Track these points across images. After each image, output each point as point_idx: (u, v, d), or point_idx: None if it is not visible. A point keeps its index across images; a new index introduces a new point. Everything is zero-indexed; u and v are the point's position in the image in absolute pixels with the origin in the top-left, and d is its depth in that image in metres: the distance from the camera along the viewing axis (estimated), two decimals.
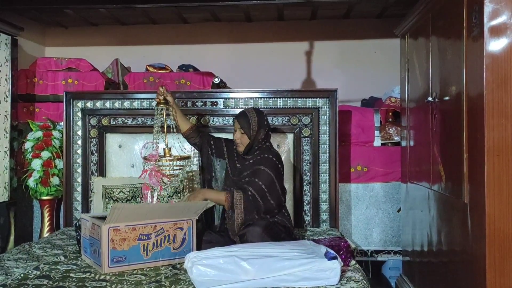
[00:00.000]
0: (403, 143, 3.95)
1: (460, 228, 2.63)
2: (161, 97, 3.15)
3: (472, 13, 2.43)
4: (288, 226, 3.03)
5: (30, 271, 2.60)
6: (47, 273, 2.58)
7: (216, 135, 3.84)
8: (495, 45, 2.31)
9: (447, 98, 2.83)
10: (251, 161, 3.07)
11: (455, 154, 2.67)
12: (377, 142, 4.29)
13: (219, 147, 3.26)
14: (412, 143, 3.69)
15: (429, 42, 3.18)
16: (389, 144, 4.31)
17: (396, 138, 4.26)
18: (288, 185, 3.79)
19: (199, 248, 2.81)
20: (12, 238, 4.00)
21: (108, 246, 2.58)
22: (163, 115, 3.15)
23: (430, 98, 3.10)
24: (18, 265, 2.75)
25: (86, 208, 3.89)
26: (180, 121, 3.29)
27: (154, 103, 3.33)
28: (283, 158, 3.77)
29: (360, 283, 2.38)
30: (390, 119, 4.38)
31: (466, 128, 2.52)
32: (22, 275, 2.54)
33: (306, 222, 3.85)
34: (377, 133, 4.28)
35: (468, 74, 2.51)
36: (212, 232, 3.07)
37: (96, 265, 2.67)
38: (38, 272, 2.59)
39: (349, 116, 4.26)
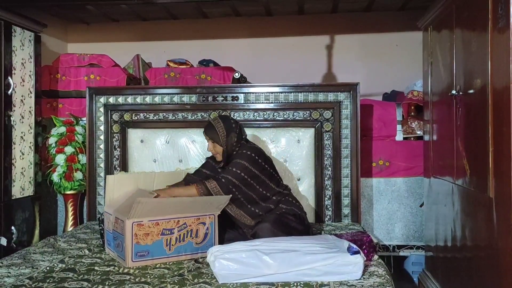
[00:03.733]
0: (426, 137, 3.90)
1: (485, 223, 2.59)
2: None
3: (498, 4, 2.38)
4: (298, 213, 3.04)
5: (55, 264, 2.64)
6: (72, 266, 2.62)
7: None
8: None
9: (471, 91, 2.79)
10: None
11: (480, 148, 2.63)
12: (399, 136, 4.24)
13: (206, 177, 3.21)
14: (435, 137, 3.65)
15: (453, 34, 3.13)
16: (412, 138, 4.26)
17: (418, 132, 4.22)
18: (309, 179, 3.79)
19: (221, 243, 2.82)
20: (37, 231, 4.06)
21: (132, 240, 2.60)
22: None
23: (454, 91, 3.06)
24: (44, 258, 2.79)
25: None
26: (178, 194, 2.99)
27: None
28: (304, 153, 3.79)
29: (383, 277, 2.36)
30: (412, 113, 4.33)
31: (492, 121, 2.48)
32: (48, 268, 2.58)
33: (328, 216, 3.83)
34: (399, 127, 4.24)
35: (494, 66, 2.46)
36: (231, 230, 3.08)
37: (120, 258, 2.70)
38: (63, 265, 2.62)
39: (371, 110, 4.22)
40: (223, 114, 3.41)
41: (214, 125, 3.10)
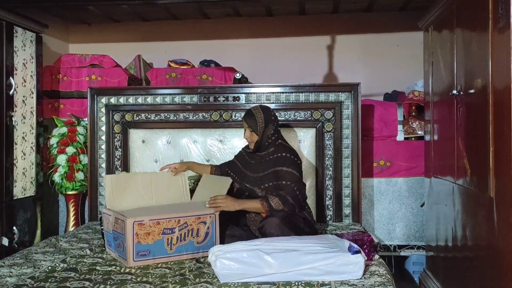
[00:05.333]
0: (427, 137, 3.91)
1: (486, 222, 2.60)
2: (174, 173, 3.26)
3: (498, 3, 2.38)
4: (309, 219, 3.03)
5: (57, 264, 2.65)
6: (74, 266, 2.62)
7: (238, 130, 3.86)
8: None
9: (472, 91, 2.79)
10: (267, 158, 3.08)
11: (480, 148, 2.63)
12: (400, 137, 4.25)
13: (234, 167, 3.30)
14: (436, 137, 3.65)
15: (454, 34, 3.13)
16: (413, 139, 4.27)
17: (419, 132, 4.22)
18: (310, 180, 3.79)
19: (222, 242, 2.83)
20: (38, 232, 4.07)
21: (133, 240, 2.61)
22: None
23: (454, 91, 3.06)
24: (46, 258, 2.80)
25: None
26: (201, 172, 3.39)
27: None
28: (305, 153, 3.79)
29: (384, 277, 2.37)
30: (413, 113, 4.33)
31: (492, 121, 2.48)
32: (49, 267, 2.59)
33: (329, 217, 3.84)
34: (400, 127, 4.25)
35: (494, 66, 2.46)
36: (235, 226, 3.08)
37: (121, 258, 2.71)
38: (65, 265, 2.63)
39: (372, 110, 4.23)
40: (264, 105, 3.40)
41: (255, 113, 3.11)
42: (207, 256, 2.47)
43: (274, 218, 2.80)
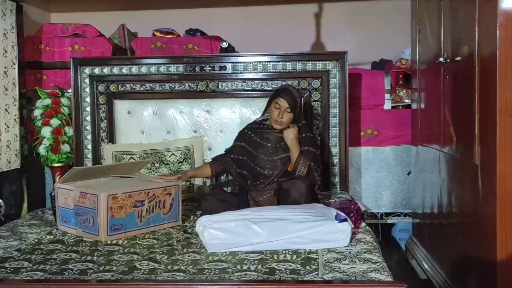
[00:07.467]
0: (414, 106, 3.91)
1: (471, 189, 2.62)
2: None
3: None
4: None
5: (43, 236, 2.64)
6: (61, 237, 2.62)
7: (225, 100, 3.83)
8: (509, 3, 2.24)
9: (459, 58, 2.78)
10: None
11: (466, 115, 2.63)
12: (387, 105, 4.24)
13: (244, 151, 3.17)
14: (423, 106, 3.65)
15: (441, 1, 3.10)
16: (400, 107, 4.27)
17: (406, 101, 4.22)
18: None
19: (214, 209, 2.73)
20: (25, 205, 4.05)
21: (107, 214, 2.56)
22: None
23: (441, 59, 3.04)
24: (32, 230, 2.79)
25: None
26: (201, 175, 3.26)
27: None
28: None
29: (370, 244, 2.39)
30: (400, 82, 4.32)
31: (478, 88, 2.48)
32: (36, 240, 2.58)
33: (316, 186, 3.84)
34: (387, 96, 4.24)
35: (481, 33, 2.45)
36: (227, 192, 3.08)
37: (88, 234, 2.62)
38: (52, 237, 2.63)
39: (359, 79, 4.21)
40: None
41: (294, 93, 3.04)
42: (175, 226, 2.51)
43: (302, 183, 2.85)
